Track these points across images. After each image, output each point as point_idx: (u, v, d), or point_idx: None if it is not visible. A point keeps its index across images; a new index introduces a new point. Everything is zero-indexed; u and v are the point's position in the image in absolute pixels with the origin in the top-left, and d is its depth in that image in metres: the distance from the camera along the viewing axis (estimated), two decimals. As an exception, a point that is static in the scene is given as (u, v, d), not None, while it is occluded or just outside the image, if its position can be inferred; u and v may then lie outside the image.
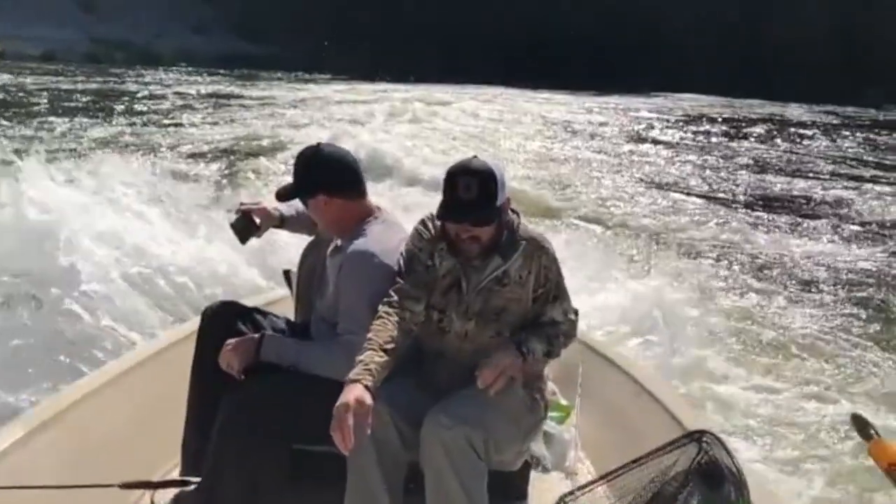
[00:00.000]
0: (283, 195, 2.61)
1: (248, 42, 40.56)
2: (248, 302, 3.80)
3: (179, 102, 19.61)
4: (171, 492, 2.54)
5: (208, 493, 2.38)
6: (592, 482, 2.54)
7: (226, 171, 10.27)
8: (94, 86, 22.91)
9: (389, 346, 2.29)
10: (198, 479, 2.47)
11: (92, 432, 2.68)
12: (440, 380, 2.51)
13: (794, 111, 29.32)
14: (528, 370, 2.49)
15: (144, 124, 15.17)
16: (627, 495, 2.55)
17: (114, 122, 15.06)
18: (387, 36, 40.09)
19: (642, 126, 21.28)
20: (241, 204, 2.78)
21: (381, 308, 2.38)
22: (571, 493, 2.49)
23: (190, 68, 30.86)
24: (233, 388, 2.44)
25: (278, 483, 2.37)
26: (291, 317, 2.92)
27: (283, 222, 2.82)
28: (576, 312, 2.66)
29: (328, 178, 2.54)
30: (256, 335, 2.53)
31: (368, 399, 2.13)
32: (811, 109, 29.93)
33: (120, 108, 17.47)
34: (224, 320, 2.61)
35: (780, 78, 37.05)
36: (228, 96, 22.00)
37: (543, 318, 2.51)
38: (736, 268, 8.03)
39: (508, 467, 2.59)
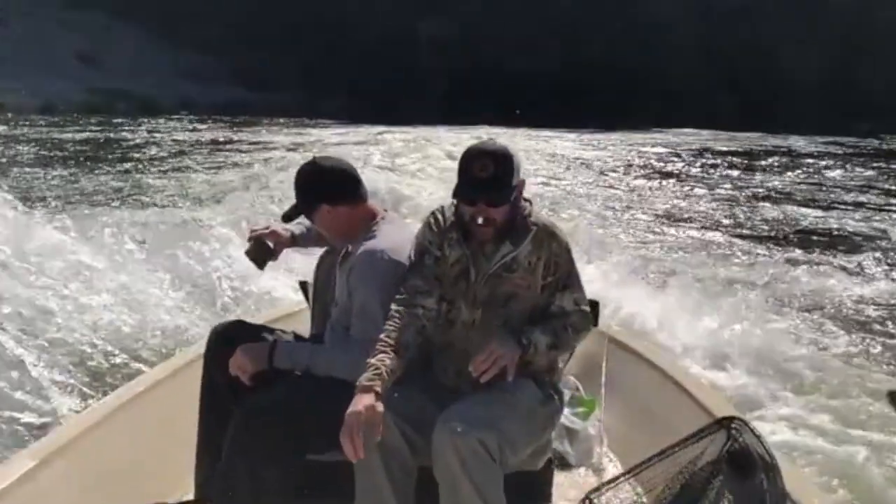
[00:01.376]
0: (289, 215, 2.68)
1: (248, 90, 41.05)
2: (265, 315, 3.95)
3: (178, 150, 19.67)
4: None
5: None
6: (618, 477, 2.47)
7: (224, 215, 10.21)
8: (91, 136, 23.06)
9: (402, 348, 2.31)
10: (210, 500, 2.50)
11: (104, 460, 2.69)
12: (449, 375, 2.50)
13: (795, 143, 29.47)
14: (536, 363, 2.46)
15: (140, 172, 15.15)
16: (655, 488, 2.49)
17: (109, 172, 14.99)
18: (389, 80, 40.59)
19: (647, 161, 21.32)
20: (252, 231, 2.84)
21: (393, 307, 2.39)
22: (597, 489, 2.42)
23: (190, 117, 31.13)
24: (241, 408, 2.44)
25: (290, 496, 2.36)
26: (308, 328, 2.96)
27: (295, 241, 2.89)
28: (595, 305, 2.63)
29: (328, 188, 2.61)
30: (269, 341, 2.56)
31: (379, 406, 2.15)
32: (813, 141, 30.07)
33: (117, 157, 17.51)
34: (231, 340, 2.61)
35: (778, 111, 37.48)
36: (227, 142, 22.12)
37: (553, 308, 2.49)
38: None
39: (530, 467, 2.55)
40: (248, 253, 2.80)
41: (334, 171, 2.64)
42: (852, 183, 18.03)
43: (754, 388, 5.14)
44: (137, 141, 21.93)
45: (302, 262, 4.36)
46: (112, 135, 23.52)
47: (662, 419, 3.14)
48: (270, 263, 2.86)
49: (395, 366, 2.27)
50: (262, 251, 2.79)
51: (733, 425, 2.49)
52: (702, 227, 11.99)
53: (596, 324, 2.71)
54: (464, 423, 2.20)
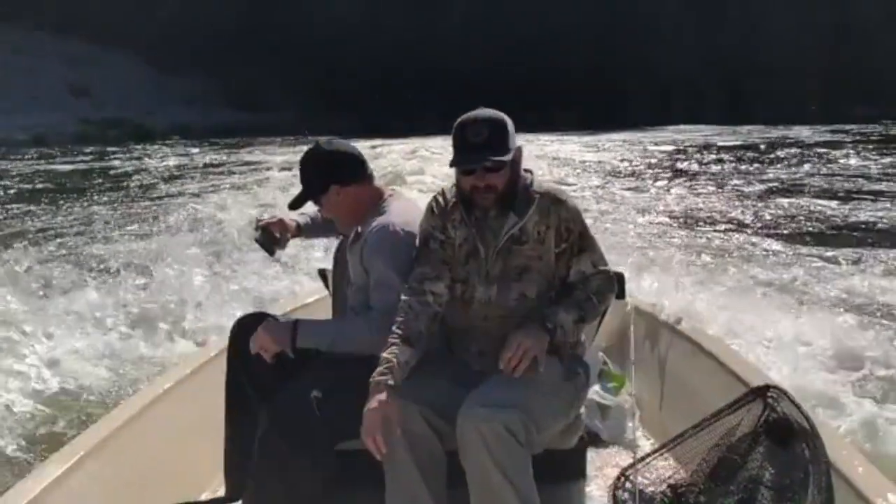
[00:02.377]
0: (296, 202, 2.70)
1: (241, 111, 41.15)
2: (287, 305, 4.01)
3: (170, 175, 19.41)
4: None
5: (251, 500, 2.41)
6: (653, 452, 2.45)
7: (218, 238, 10.08)
8: (80, 166, 22.87)
9: (414, 338, 2.30)
10: (242, 496, 2.50)
11: (135, 459, 2.71)
12: (471, 356, 2.46)
13: (801, 133, 29.39)
14: (563, 343, 2.38)
15: (131, 201, 14.94)
16: (691, 462, 2.44)
17: (96, 202, 14.67)
18: (384, 93, 40.75)
19: (652, 160, 21.10)
20: (258, 220, 2.91)
21: (402, 297, 2.38)
22: (632, 465, 2.40)
23: (184, 141, 31.13)
24: (269, 400, 2.46)
25: (323, 487, 2.35)
26: (330, 316, 2.95)
27: (300, 230, 2.93)
28: (620, 277, 2.57)
29: (335, 169, 2.63)
30: (292, 320, 2.55)
31: (393, 401, 2.18)
32: (817, 130, 30.03)
33: (105, 187, 17.18)
34: (253, 333, 2.57)
35: (772, 103, 37.51)
36: (221, 165, 22.00)
37: (572, 275, 2.43)
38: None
39: (562, 445, 2.49)
40: (256, 240, 2.85)
41: (341, 152, 2.66)
42: (870, 171, 17.60)
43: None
44: (128, 169, 21.74)
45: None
46: (102, 164, 23.32)
47: (695, 391, 3.07)
48: (279, 252, 2.93)
49: (408, 357, 2.26)
50: (268, 239, 2.84)
51: (770, 394, 2.40)
52: (726, 226, 11.40)
53: (622, 296, 2.63)
54: (487, 408, 2.15)
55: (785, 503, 2.24)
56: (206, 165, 21.88)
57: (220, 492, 2.72)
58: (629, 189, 15.27)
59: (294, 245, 3.09)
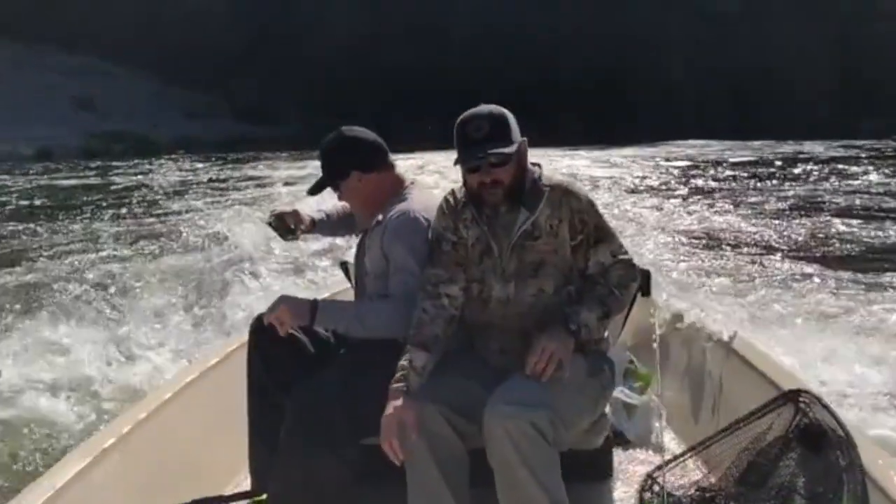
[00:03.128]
0: (315, 188, 2.74)
1: (245, 124, 41.39)
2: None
3: (174, 191, 19.18)
4: None
5: (275, 497, 2.41)
6: (681, 455, 2.43)
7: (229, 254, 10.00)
8: (83, 181, 22.70)
9: (430, 342, 2.33)
10: (267, 490, 2.52)
11: (157, 453, 2.73)
12: (493, 355, 2.44)
13: (813, 148, 29.29)
14: (589, 341, 2.36)
15: (134, 217, 14.76)
16: (720, 466, 2.40)
17: (102, 217, 14.55)
18: (388, 106, 40.86)
19: (664, 176, 20.86)
20: (273, 211, 2.92)
21: (419, 301, 2.40)
22: (659, 468, 2.37)
23: (189, 155, 31.04)
24: (294, 396, 2.47)
25: (348, 483, 2.36)
26: None
27: (315, 226, 2.94)
28: (647, 274, 2.59)
29: (358, 155, 2.65)
30: (311, 299, 2.54)
31: (410, 407, 2.21)
32: (829, 145, 29.96)
33: (110, 202, 16.94)
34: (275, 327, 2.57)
35: (781, 116, 37.51)
36: (226, 179, 21.85)
37: (591, 267, 2.40)
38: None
39: (589, 445, 2.49)
40: (269, 223, 2.87)
41: (363, 139, 2.69)
42: (892, 188, 17.22)
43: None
44: (131, 184, 21.45)
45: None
46: (105, 179, 23.15)
47: (722, 392, 3.03)
48: (293, 243, 3.02)
49: (424, 362, 2.30)
50: (281, 227, 2.86)
51: (802, 399, 2.35)
52: (748, 247, 10.77)
53: (648, 293, 2.62)
54: (513, 406, 2.13)
55: (818, 511, 2.18)
56: (210, 180, 21.72)
57: (245, 486, 2.73)
58: (644, 207, 14.96)
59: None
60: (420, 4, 44.22)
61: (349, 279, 3.11)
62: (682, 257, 9.74)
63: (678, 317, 3.60)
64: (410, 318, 2.37)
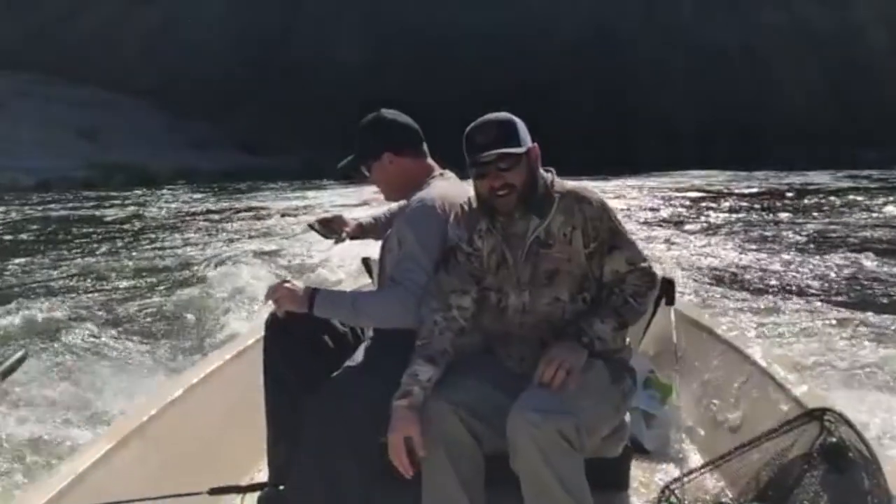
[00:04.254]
0: (347, 166, 2.75)
1: (248, 155, 41.52)
2: None
3: (174, 222, 18.93)
4: (262, 495, 2.64)
5: (298, 496, 2.42)
6: (700, 468, 2.41)
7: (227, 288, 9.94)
8: (84, 213, 22.58)
9: (437, 355, 2.33)
10: (285, 482, 2.55)
11: (174, 442, 2.79)
12: (513, 361, 2.46)
13: (818, 178, 29.33)
14: (604, 351, 2.36)
15: (126, 249, 14.61)
16: (739, 481, 2.38)
17: (98, 251, 14.05)
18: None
19: (668, 206, 20.78)
20: (317, 218, 3.02)
21: (426, 314, 2.39)
22: (678, 479, 2.35)
23: (189, 185, 31.18)
24: (312, 389, 2.48)
25: (367, 479, 2.38)
26: None
27: (363, 230, 3.02)
28: (671, 283, 2.63)
29: (393, 136, 2.67)
30: (311, 288, 2.55)
31: (415, 422, 2.23)
32: (835, 175, 30.02)
33: (107, 235, 16.59)
34: (290, 321, 2.60)
35: (777, 149, 37.89)
36: (228, 210, 21.71)
37: (606, 276, 2.39)
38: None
39: (608, 453, 2.48)
40: (311, 226, 2.96)
41: (401, 122, 2.71)
42: None
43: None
44: (130, 215, 21.25)
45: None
46: (104, 210, 22.93)
47: (744, 406, 2.99)
48: (340, 246, 3.05)
49: (430, 375, 2.30)
50: (326, 230, 2.94)
51: (827, 417, 2.31)
52: (766, 282, 10.21)
53: (672, 302, 2.56)
54: (539, 413, 2.13)
55: (841, 533, 2.13)
56: (209, 211, 21.54)
57: (261, 477, 2.78)
58: (651, 239, 14.86)
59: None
60: (421, 35, 44.65)
61: (370, 275, 3.17)
62: (704, 296, 9.30)
63: (702, 327, 3.57)
64: (408, 307, 2.40)
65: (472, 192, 2.49)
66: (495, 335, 2.48)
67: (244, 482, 2.70)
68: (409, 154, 2.67)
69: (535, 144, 2.38)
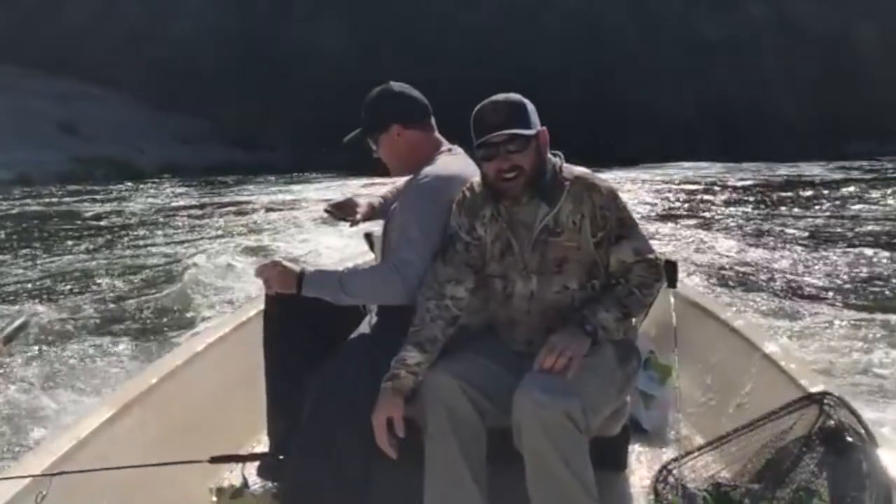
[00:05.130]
0: (352, 139, 2.73)
1: (235, 149, 41.34)
2: (331, 267, 4.03)
3: (156, 220, 18.40)
4: (261, 465, 2.69)
5: (298, 467, 2.44)
6: (698, 449, 2.43)
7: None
8: (64, 208, 22.06)
9: (428, 343, 2.34)
10: (287, 455, 2.58)
11: (175, 411, 2.84)
12: (519, 344, 2.47)
13: (810, 170, 29.47)
14: (612, 338, 2.38)
15: (109, 246, 14.25)
16: (736, 463, 2.40)
17: (77, 250, 13.61)
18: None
19: (660, 198, 20.67)
20: (331, 203, 3.02)
21: (421, 299, 2.41)
22: (676, 460, 2.38)
23: (175, 180, 30.90)
24: (319, 372, 2.49)
25: (371, 457, 2.39)
26: None
27: (374, 211, 2.99)
28: (673, 265, 2.56)
29: (402, 108, 2.66)
30: (298, 269, 2.56)
31: (399, 405, 2.28)
32: (826, 167, 30.20)
33: (87, 233, 16.13)
34: (290, 295, 2.60)
35: (765, 141, 38.34)
36: (214, 206, 21.43)
37: (613, 265, 2.39)
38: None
39: (607, 432, 2.50)
40: (326, 211, 2.98)
41: (409, 93, 2.69)
42: None
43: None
44: (111, 210, 20.82)
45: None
46: (85, 206, 22.41)
47: (743, 388, 3.00)
48: (354, 229, 3.07)
49: (419, 360, 2.32)
50: (338, 214, 2.95)
51: (827, 401, 2.35)
52: (769, 277, 10.01)
53: (674, 285, 2.59)
54: (546, 394, 2.13)
55: (839, 514, 2.14)
56: (194, 206, 21.22)
57: (261, 447, 2.85)
58: (644, 232, 14.71)
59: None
60: (409, 27, 44.65)
61: (372, 250, 3.19)
62: (700, 284, 9.17)
63: (703, 309, 3.60)
64: (393, 285, 2.42)
65: (476, 173, 2.48)
66: (501, 322, 2.49)
67: (244, 452, 2.74)
68: (418, 127, 2.66)
69: (545, 128, 2.37)
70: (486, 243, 2.44)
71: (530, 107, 2.35)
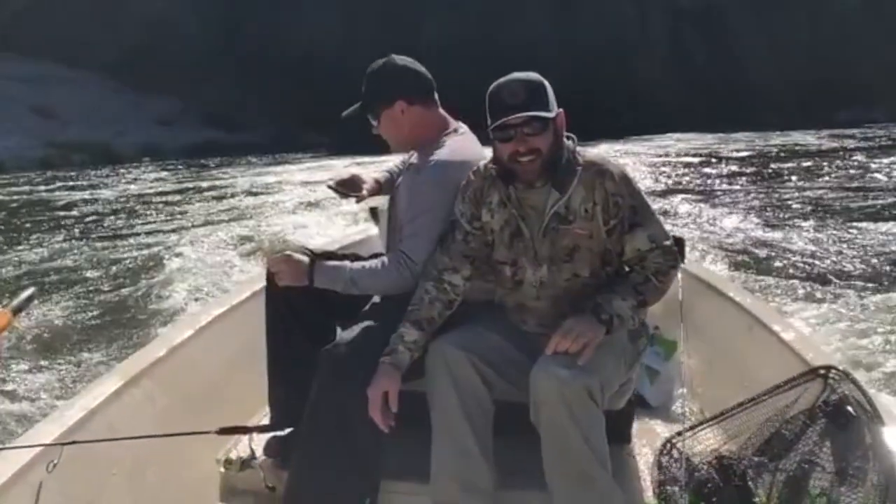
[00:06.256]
0: (352, 114, 2.69)
1: (215, 130, 40.99)
2: (333, 244, 4.18)
3: (136, 205, 18.16)
4: (267, 437, 2.74)
5: (306, 439, 2.45)
6: (702, 423, 2.48)
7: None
8: (40, 195, 21.69)
9: (426, 322, 2.39)
10: (292, 428, 2.61)
11: (183, 383, 2.90)
12: (529, 327, 2.50)
13: (803, 137, 29.61)
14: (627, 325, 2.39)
15: (88, 233, 13.85)
16: (741, 436, 2.43)
17: (54, 241, 13.27)
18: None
19: (655, 169, 20.81)
20: (335, 180, 2.99)
21: (420, 281, 2.45)
22: (679, 433, 2.42)
23: (155, 163, 30.68)
24: (319, 340, 2.53)
25: (378, 430, 2.41)
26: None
27: (381, 187, 2.99)
28: (680, 242, 2.56)
29: (406, 83, 2.60)
30: (307, 260, 2.58)
31: (395, 380, 2.31)
32: (818, 135, 30.29)
33: (64, 222, 15.85)
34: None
35: (756, 110, 38.57)
36: (194, 189, 21.17)
37: (628, 253, 2.39)
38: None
39: (612, 406, 2.50)
40: (331, 187, 2.95)
41: (414, 68, 2.63)
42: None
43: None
44: (89, 197, 20.51)
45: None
46: (61, 193, 22.14)
47: (747, 364, 3.05)
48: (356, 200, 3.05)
49: (416, 338, 2.36)
50: (343, 189, 2.93)
51: (831, 375, 2.38)
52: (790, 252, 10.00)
53: (682, 261, 2.59)
54: (567, 369, 2.16)
55: (842, 486, 2.19)
56: (177, 191, 21.02)
57: (268, 419, 2.88)
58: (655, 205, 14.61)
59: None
60: (391, 9, 44.25)
61: (376, 224, 3.23)
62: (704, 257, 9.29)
63: (708, 285, 3.63)
64: (406, 283, 2.46)
65: (484, 155, 2.48)
66: (510, 307, 2.51)
67: (252, 424, 2.76)
68: (423, 103, 2.61)
69: (562, 110, 2.34)
70: (491, 230, 2.44)
71: (549, 87, 2.30)
